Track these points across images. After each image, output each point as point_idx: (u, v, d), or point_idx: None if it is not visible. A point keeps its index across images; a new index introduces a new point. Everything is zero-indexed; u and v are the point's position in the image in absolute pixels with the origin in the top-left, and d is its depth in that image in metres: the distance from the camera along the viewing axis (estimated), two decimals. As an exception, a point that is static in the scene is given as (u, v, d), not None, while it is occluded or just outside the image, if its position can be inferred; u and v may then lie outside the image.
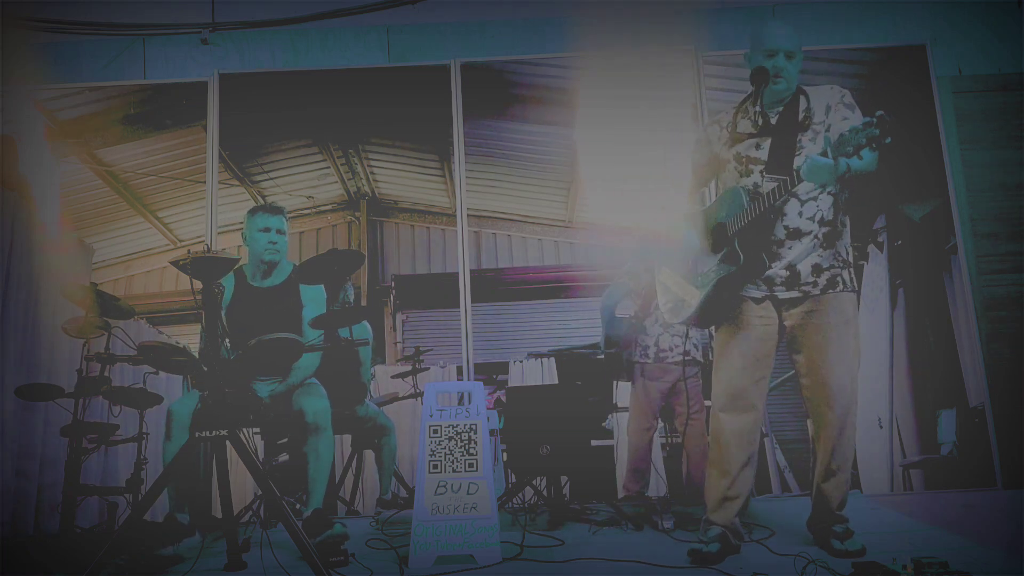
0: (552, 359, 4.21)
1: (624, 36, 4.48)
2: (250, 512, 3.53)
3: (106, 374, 3.32)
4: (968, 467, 4.00)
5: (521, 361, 4.23)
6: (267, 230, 3.21)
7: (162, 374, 3.48)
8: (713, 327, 2.81)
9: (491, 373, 4.20)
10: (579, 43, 4.38)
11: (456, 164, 4.34)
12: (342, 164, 4.48)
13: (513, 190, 4.44)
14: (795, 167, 2.42)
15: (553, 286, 4.34)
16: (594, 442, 3.75)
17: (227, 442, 2.47)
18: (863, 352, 4.12)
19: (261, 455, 3.30)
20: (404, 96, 4.45)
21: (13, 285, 3.90)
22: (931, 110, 4.33)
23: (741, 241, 2.52)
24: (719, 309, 2.62)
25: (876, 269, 4.26)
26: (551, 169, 4.46)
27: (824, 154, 2.27)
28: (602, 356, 3.96)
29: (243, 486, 3.79)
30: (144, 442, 3.49)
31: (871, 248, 4.28)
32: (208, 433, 2.45)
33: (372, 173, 4.49)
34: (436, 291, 4.31)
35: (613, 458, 4.07)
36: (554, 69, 4.51)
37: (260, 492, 3.38)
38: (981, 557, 2.33)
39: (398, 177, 4.50)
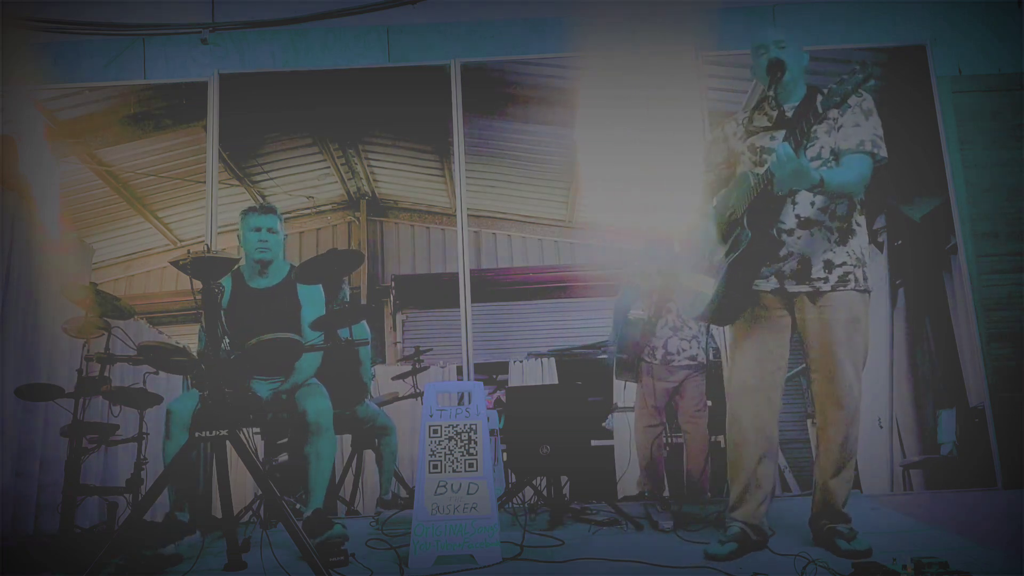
0: (552, 359, 4.21)
1: (624, 36, 4.49)
2: (250, 512, 3.53)
3: (106, 374, 3.32)
4: (968, 467, 3.99)
5: (521, 361, 4.23)
6: (258, 229, 3.22)
7: (162, 374, 3.48)
8: (727, 325, 2.80)
9: (491, 373, 4.20)
10: (579, 43, 4.38)
11: (456, 164, 4.34)
12: (342, 164, 4.48)
13: (513, 190, 4.44)
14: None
15: (553, 286, 4.34)
16: (594, 442, 3.76)
17: (227, 442, 2.47)
18: (863, 352, 4.19)
19: (261, 455, 3.30)
20: (404, 96, 4.45)
21: (13, 285, 3.90)
22: (931, 110, 4.33)
23: (750, 219, 2.50)
24: (734, 295, 2.58)
25: (876, 269, 4.26)
26: (551, 169, 4.46)
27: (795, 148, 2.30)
28: (604, 355, 3.97)
29: (243, 486, 3.79)
30: (144, 442, 3.49)
31: (871, 248, 4.29)
32: (208, 433, 2.45)
33: (372, 173, 4.49)
34: (436, 291, 4.31)
35: (613, 458, 4.07)
36: (554, 69, 4.51)
37: (260, 492, 3.38)
38: (981, 557, 2.33)
39: (398, 177, 4.50)
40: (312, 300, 3.22)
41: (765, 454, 2.58)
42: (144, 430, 3.50)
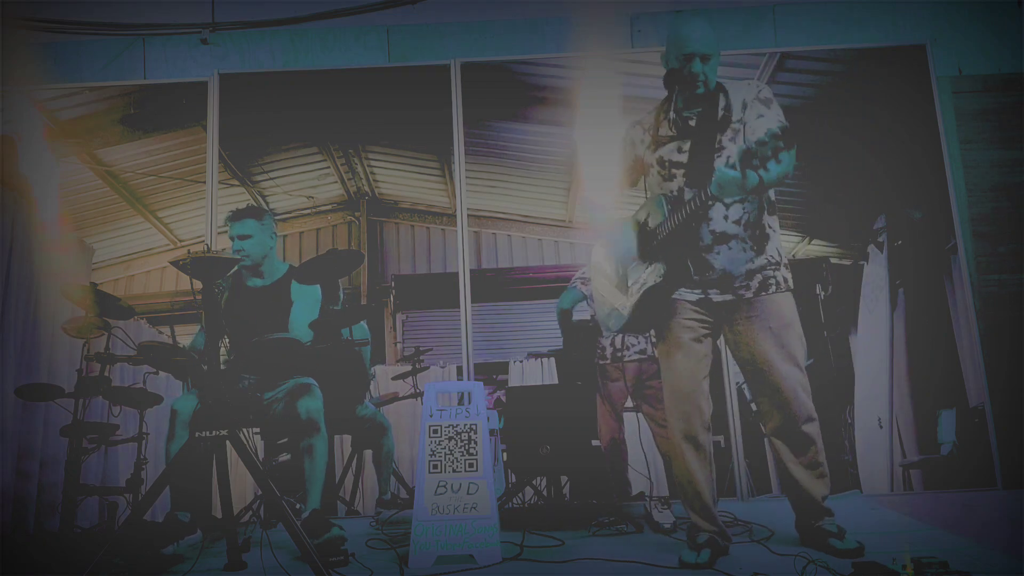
0: (552, 359, 4.21)
1: (623, 36, 4.48)
2: (250, 512, 3.53)
3: (106, 374, 3.32)
4: (968, 467, 3.99)
5: (521, 361, 4.23)
6: (232, 239, 3.21)
7: (162, 374, 3.49)
8: (653, 334, 2.83)
9: (491, 373, 4.20)
10: (579, 43, 4.38)
11: (456, 164, 4.34)
12: (342, 164, 4.48)
13: (513, 190, 4.44)
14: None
15: (553, 286, 4.34)
16: (594, 442, 3.75)
17: (227, 442, 2.47)
18: (863, 352, 4.19)
19: (261, 455, 3.30)
20: (404, 96, 4.45)
21: (13, 285, 3.90)
22: (931, 110, 4.33)
23: (665, 252, 2.53)
24: (651, 317, 2.65)
25: (876, 269, 4.26)
26: (551, 169, 4.46)
27: (733, 166, 2.22)
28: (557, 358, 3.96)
29: (243, 486, 3.79)
30: (144, 442, 3.49)
31: (871, 248, 4.28)
32: (208, 433, 2.45)
33: (372, 173, 4.49)
34: (436, 291, 4.31)
35: (613, 458, 4.06)
36: (554, 69, 4.51)
37: (260, 492, 3.38)
38: (981, 557, 2.33)
39: (398, 177, 4.50)
40: (304, 298, 3.20)
41: (704, 462, 2.58)
42: (144, 430, 3.50)
